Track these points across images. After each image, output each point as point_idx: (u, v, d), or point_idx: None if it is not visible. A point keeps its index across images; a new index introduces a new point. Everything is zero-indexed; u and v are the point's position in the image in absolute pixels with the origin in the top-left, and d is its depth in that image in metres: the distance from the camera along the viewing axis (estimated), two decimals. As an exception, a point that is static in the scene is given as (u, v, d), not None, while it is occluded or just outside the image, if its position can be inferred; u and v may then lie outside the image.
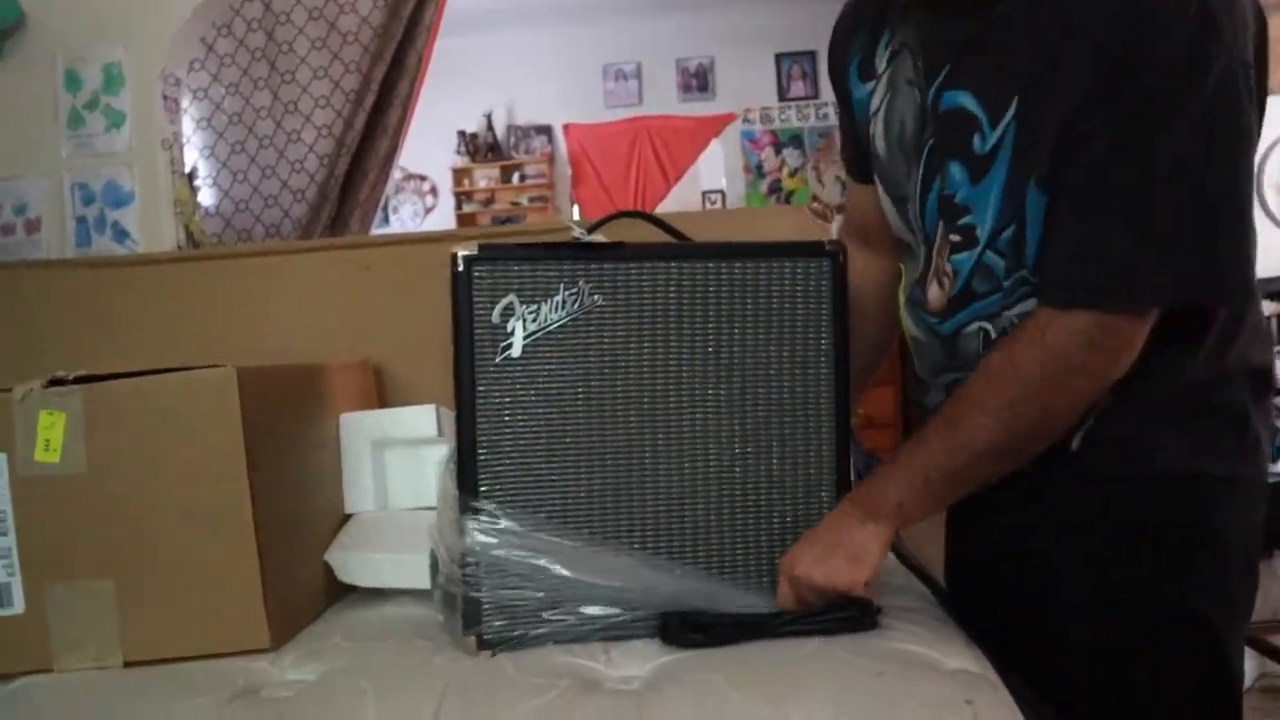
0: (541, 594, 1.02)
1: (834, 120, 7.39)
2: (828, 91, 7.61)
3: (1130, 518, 1.05)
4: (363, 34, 3.05)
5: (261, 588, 1.01)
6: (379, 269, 1.62)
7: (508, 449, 1.03)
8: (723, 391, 1.08)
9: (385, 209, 7.70)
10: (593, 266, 1.04)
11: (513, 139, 7.89)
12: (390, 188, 6.83)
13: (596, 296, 1.04)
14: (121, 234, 3.00)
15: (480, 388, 1.02)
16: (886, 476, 1.05)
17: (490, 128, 7.83)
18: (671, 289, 1.06)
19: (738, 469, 1.08)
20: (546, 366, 1.04)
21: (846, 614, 1.00)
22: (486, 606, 1.01)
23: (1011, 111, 0.99)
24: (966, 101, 1.03)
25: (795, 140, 7.41)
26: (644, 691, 0.91)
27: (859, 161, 1.26)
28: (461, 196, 7.94)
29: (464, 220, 7.86)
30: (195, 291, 1.64)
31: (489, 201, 7.91)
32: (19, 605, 1.02)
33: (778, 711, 0.86)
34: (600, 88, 7.65)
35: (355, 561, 1.18)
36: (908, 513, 1.04)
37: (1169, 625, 1.05)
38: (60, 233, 3.02)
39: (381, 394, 1.52)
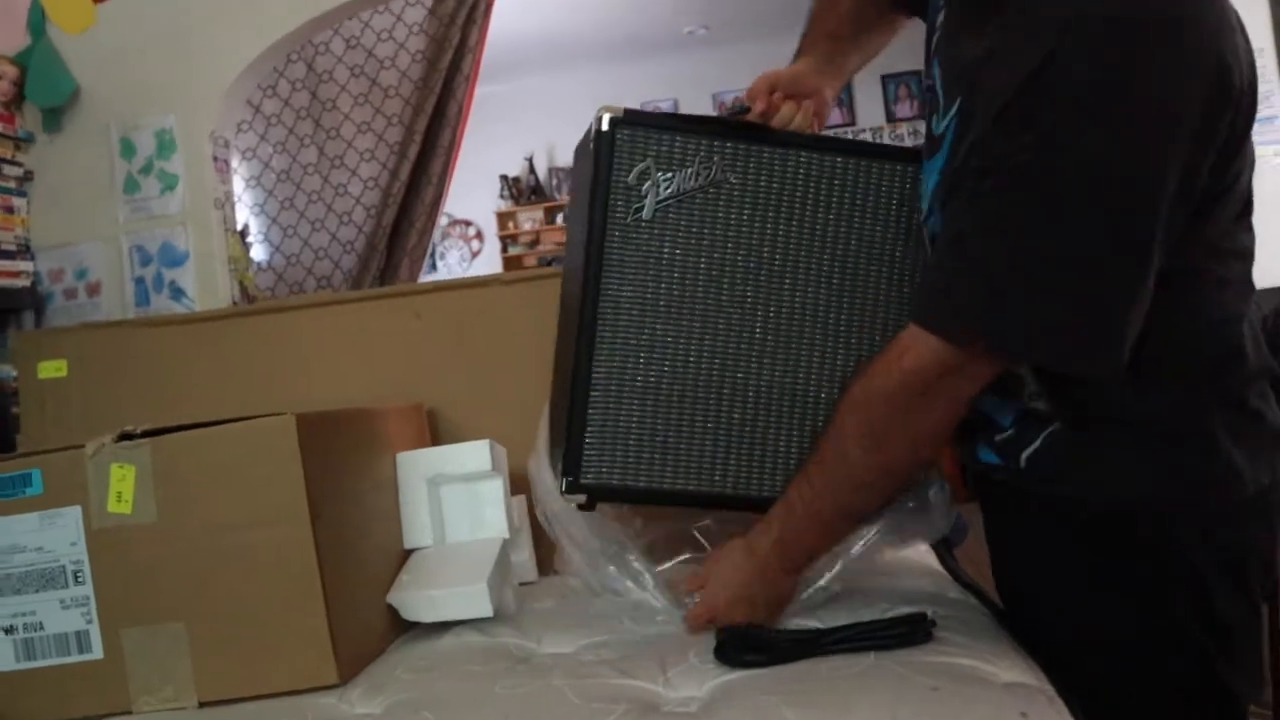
0: (641, 448, 1.10)
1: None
2: (865, 118, 7.62)
3: (1097, 547, 1.02)
4: (403, 87, 3.14)
5: (327, 625, 1.04)
6: (428, 315, 1.66)
7: (627, 306, 1.10)
8: (835, 282, 1.13)
9: (432, 255, 7.83)
10: (729, 145, 1.10)
11: (554, 180, 8.00)
12: (436, 235, 6.96)
13: (729, 174, 1.10)
14: (178, 292, 3.10)
15: (609, 243, 1.09)
16: (792, 527, 1.08)
17: (532, 170, 7.96)
18: (800, 177, 1.12)
19: (840, 357, 1.13)
20: (673, 232, 1.10)
21: (900, 630, 1.01)
22: (588, 454, 1.09)
23: (955, 108, 0.98)
24: (937, 75, 1.03)
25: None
26: (701, 714, 0.92)
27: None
28: (507, 239, 8.06)
29: (510, 262, 7.97)
30: (251, 345, 1.69)
31: (534, 243, 8.02)
32: (98, 651, 1.06)
33: (834, 728, 0.87)
34: (638, 125, 7.74)
35: (415, 599, 1.21)
36: (818, 553, 1.10)
37: (1156, 653, 1.02)
38: (120, 294, 3.12)
39: (435, 436, 1.56)
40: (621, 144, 1.09)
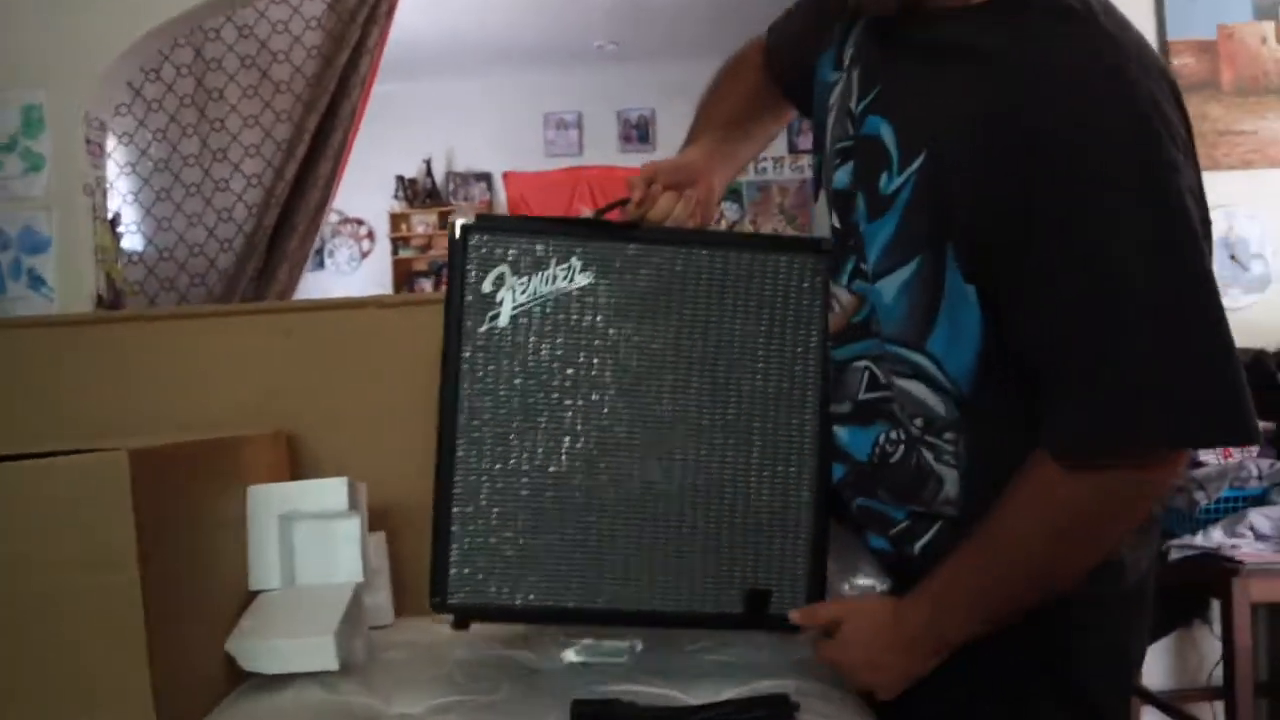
0: (509, 564, 1.06)
1: (771, 175, 7.51)
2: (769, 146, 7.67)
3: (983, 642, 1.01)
4: (295, 83, 3.03)
5: (150, 684, 0.95)
6: (299, 334, 1.58)
7: (488, 416, 1.06)
8: (706, 379, 1.08)
9: (321, 252, 7.62)
10: (587, 244, 1.07)
11: (452, 185, 7.87)
12: (326, 231, 6.78)
13: (588, 274, 1.06)
14: (37, 281, 2.91)
15: (465, 353, 1.06)
16: (946, 613, 1.00)
17: (429, 173, 7.81)
18: (663, 273, 1.08)
19: (715, 458, 1.08)
20: (531, 338, 1.06)
21: (762, 712, 0.98)
22: (454, 573, 1.06)
23: (918, 163, 0.95)
24: (884, 133, 0.99)
25: (734, 193, 7.49)
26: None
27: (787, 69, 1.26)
28: (399, 242, 7.89)
29: (400, 265, 7.80)
30: (108, 355, 1.57)
31: (426, 247, 7.87)
32: (-119, 701, 0.96)
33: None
34: (541, 136, 7.68)
35: (255, 649, 1.13)
36: (969, 637, 1.01)
37: None
38: (-28, 278, 2.92)
39: (295, 467, 1.47)
40: (475, 250, 1.05)
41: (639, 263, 1.07)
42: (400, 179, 7.75)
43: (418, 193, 7.82)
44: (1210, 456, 2.71)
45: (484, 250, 1.06)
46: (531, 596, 1.07)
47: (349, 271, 7.75)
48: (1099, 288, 0.88)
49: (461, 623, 1.09)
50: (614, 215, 1.15)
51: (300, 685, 1.13)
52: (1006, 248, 0.91)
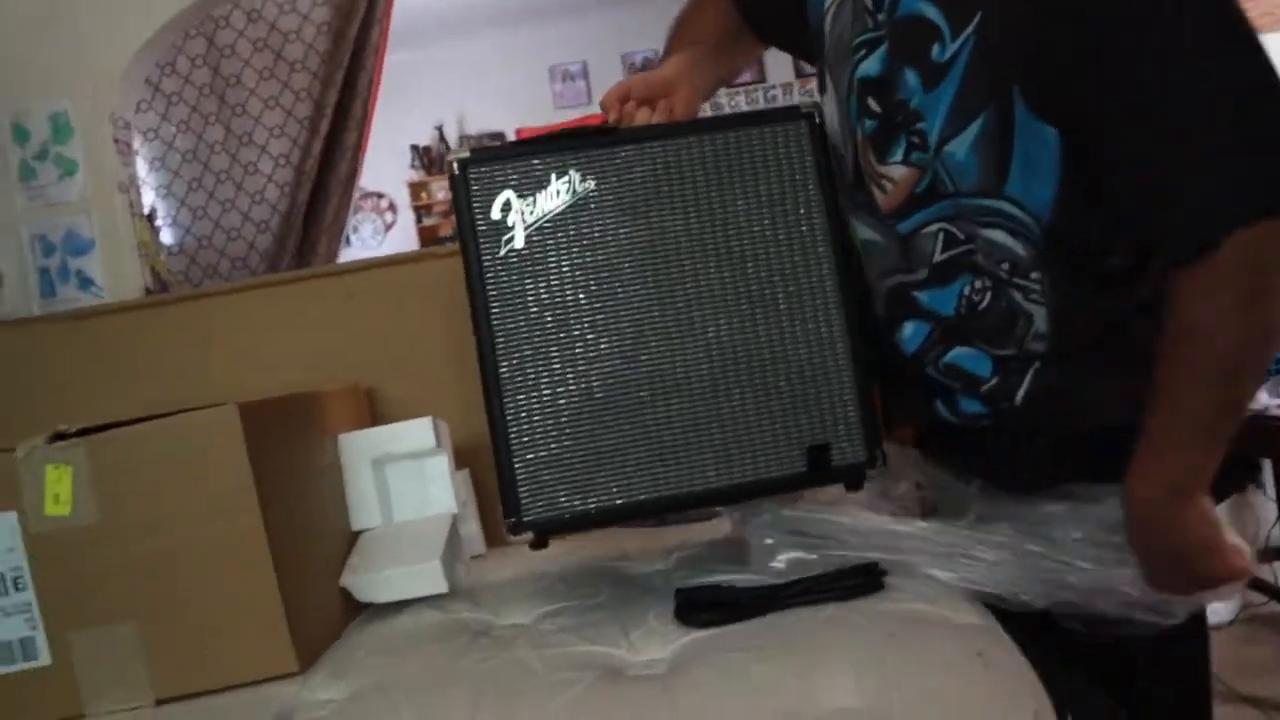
0: (575, 471, 1.09)
1: (781, 102, 7.43)
2: (774, 74, 7.65)
3: (1076, 473, 1.05)
4: (310, 61, 3.05)
5: (284, 613, 1.03)
6: (359, 294, 1.64)
7: (524, 335, 1.10)
8: (721, 256, 1.12)
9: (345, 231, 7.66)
10: (580, 155, 1.11)
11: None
12: (348, 209, 6.81)
13: (590, 182, 1.11)
14: (86, 281, 2.98)
15: (489, 278, 1.09)
16: (1175, 449, 0.99)
17: (442, 139, 7.82)
18: (659, 167, 1.12)
19: (747, 329, 1.12)
20: (552, 253, 1.10)
21: (855, 580, 1.04)
22: (523, 491, 1.08)
23: (974, 24, 1.00)
24: (927, 9, 1.04)
25: (744, 123, 7.44)
26: (669, 675, 0.94)
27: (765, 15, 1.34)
28: (420, 210, 7.92)
29: (425, 233, 7.84)
30: (169, 336, 1.65)
31: (449, 212, 7.89)
32: (44, 657, 1.04)
33: (803, 682, 0.89)
34: (548, 90, 7.66)
35: (369, 581, 1.20)
36: (1211, 469, 0.99)
37: None
38: (24, 285, 2.99)
39: (375, 416, 1.54)
40: (477, 182, 1.10)
41: (633, 163, 1.12)
42: (415, 148, 7.78)
43: (434, 159, 7.84)
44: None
45: (485, 180, 1.10)
46: (604, 498, 1.10)
47: (375, 246, 7.81)
48: (1182, 85, 0.92)
49: (540, 541, 1.11)
50: None
51: (415, 609, 1.20)
52: (1078, 77, 0.95)
